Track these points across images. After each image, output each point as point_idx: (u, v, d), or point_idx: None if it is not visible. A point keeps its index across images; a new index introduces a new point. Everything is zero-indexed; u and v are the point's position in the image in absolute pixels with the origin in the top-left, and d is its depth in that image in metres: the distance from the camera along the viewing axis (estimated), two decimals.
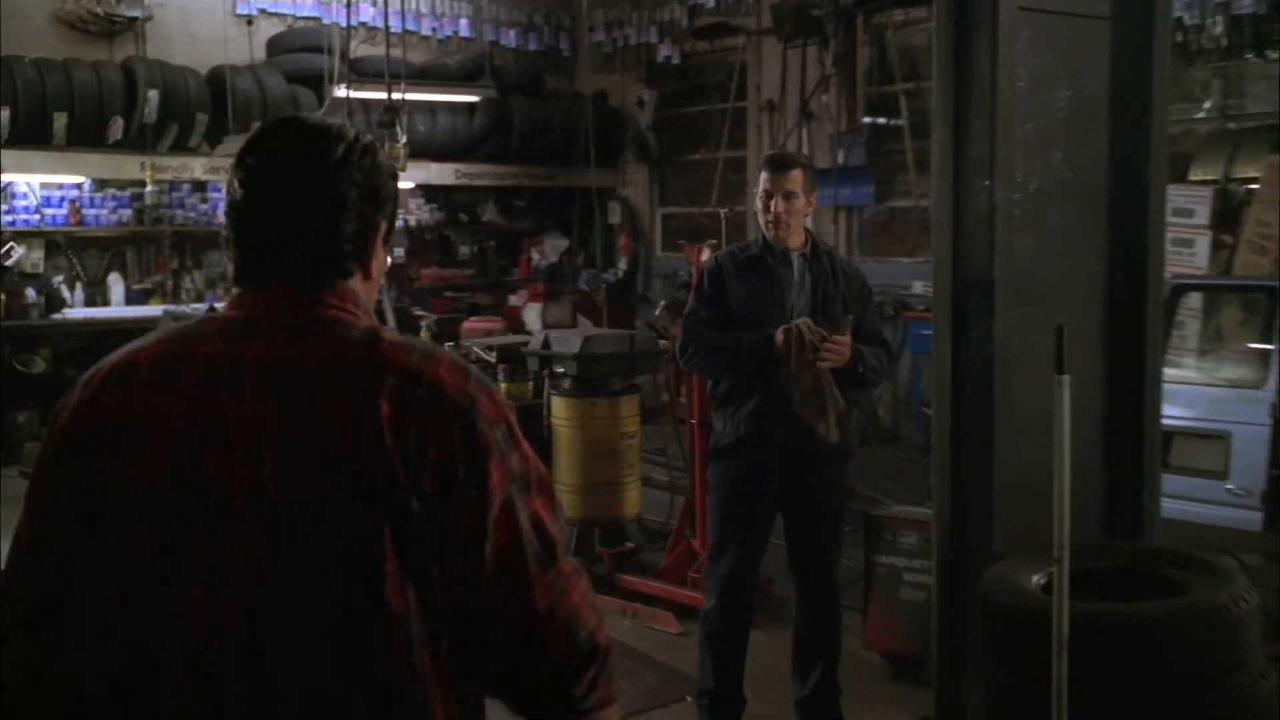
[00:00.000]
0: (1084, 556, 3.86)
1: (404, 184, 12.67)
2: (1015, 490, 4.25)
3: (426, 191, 13.24)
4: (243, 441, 1.57)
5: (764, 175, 4.47)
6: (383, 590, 1.55)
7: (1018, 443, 4.26)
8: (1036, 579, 3.84)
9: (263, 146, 1.73)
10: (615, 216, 13.85)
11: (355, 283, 1.72)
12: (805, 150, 11.86)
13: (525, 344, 6.93)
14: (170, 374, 1.63)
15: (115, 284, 11.27)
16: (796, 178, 4.44)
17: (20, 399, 9.87)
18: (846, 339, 4.33)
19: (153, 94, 10.64)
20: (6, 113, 10.21)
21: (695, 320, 4.54)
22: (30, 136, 10.44)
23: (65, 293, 11.08)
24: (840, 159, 11.40)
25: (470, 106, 12.81)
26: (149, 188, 10.88)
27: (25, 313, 10.59)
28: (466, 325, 11.63)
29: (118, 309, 11.01)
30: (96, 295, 11.32)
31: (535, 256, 13.50)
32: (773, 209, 4.43)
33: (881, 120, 11.47)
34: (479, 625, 1.63)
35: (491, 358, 6.90)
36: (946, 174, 4.33)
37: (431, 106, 12.55)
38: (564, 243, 13.57)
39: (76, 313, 10.79)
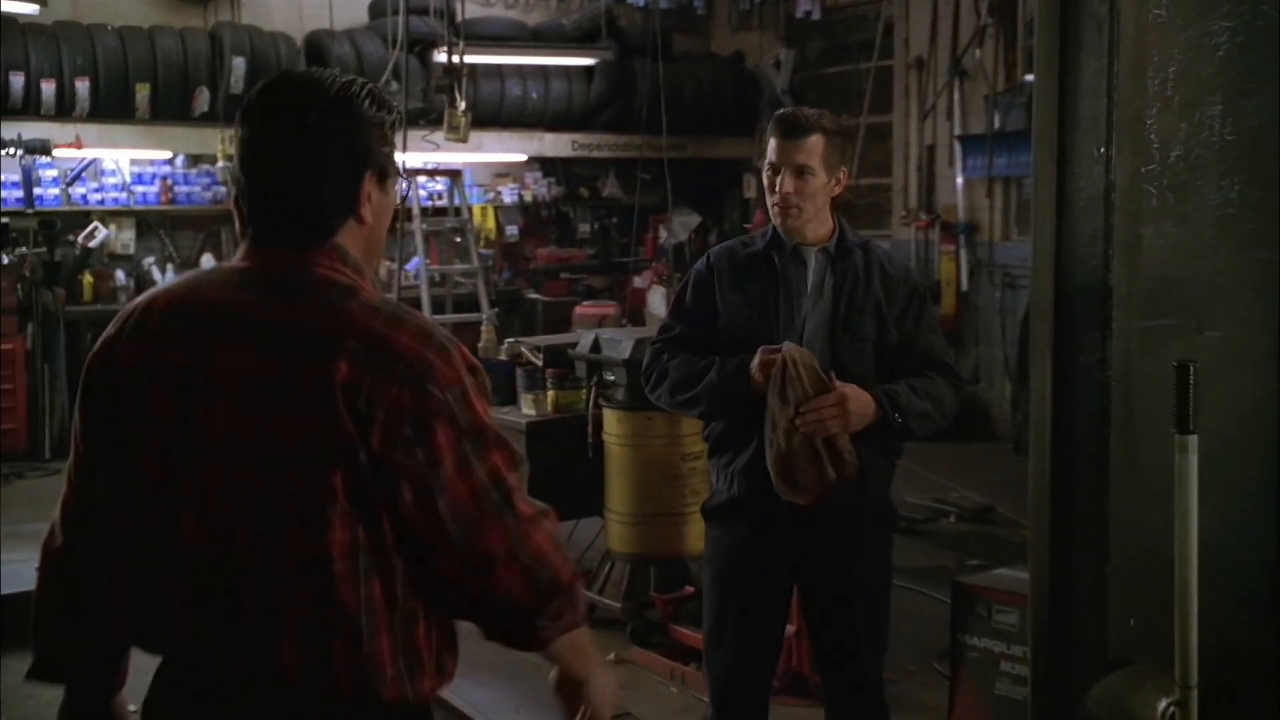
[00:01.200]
0: (1238, 667, 3.00)
1: (515, 157, 11.91)
2: (1140, 569, 3.28)
3: (542, 164, 12.37)
4: (225, 388, 1.80)
5: (771, 142, 3.31)
6: (331, 528, 1.77)
7: (1143, 505, 3.27)
8: (1165, 705, 2.87)
9: (250, 119, 1.90)
10: (751, 190, 12.76)
11: (346, 233, 1.89)
12: (958, 114, 10.69)
13: (574, 345, 5.88)
14: (176, 322, 1.87)
15: (208, 265, 10.72)
16: (814, 146, 3.26)
17: None
18: (839, 393, 3.16)
19: (238, 62, 10.04)
20: (87, 84, 9.73)
21: (667, 340, 3.43)
22: (113, 110, 10.00)
23: (157, 275, 10.67)
24: (997, 123, 10.30)
25: (588, 71, 11.87)
26: (220, 163, 10.26)
27: (113, 296, 10.18)
28: (579, 311, 10.76)
29: None
30: None
31: (662, 234, 12.47)
32: (779, 188, 3.30)
33: None
34: (441, 566, 1.85)
35: (539, 360, 5.89)
36: (1048, 139, 3.40)
37: (545, 71, 11.66)
38: (695, 219, 12.54)
39: None
